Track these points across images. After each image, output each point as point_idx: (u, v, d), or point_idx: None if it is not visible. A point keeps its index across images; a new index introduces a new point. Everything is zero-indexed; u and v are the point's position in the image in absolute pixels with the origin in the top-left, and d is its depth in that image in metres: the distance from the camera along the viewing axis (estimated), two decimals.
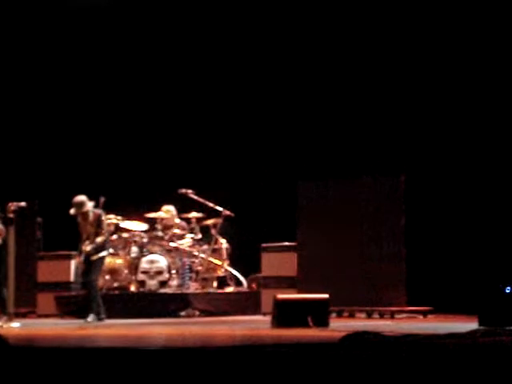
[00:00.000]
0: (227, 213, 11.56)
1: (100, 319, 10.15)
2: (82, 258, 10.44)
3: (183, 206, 11.71)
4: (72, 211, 10.33)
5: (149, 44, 12.58)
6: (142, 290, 11.34)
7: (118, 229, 11.66)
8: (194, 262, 11.61)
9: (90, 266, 10.34)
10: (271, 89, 12.14)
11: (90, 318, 10.10)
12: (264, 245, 11.34)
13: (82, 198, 10.35)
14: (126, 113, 12.79)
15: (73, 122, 12.82)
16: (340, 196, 11.06)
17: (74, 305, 11.11)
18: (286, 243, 11.32)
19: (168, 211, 11.67)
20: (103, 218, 10.45)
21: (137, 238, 11.68)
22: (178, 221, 11.74)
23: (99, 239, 10.33)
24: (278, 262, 11.33)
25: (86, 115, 12.81)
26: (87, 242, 10.28)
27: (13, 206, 10.11)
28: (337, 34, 11.75)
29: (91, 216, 10.33)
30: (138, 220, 11.81)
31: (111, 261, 11.25)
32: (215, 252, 11.70)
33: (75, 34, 12.50)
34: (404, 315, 10.41)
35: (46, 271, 11.71)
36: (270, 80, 12.15)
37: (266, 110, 12.22)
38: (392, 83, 11.43)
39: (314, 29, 11.89)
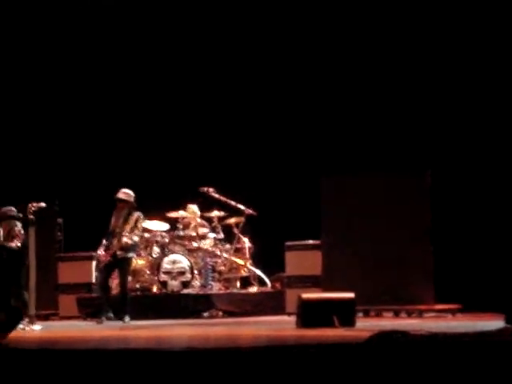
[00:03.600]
0: (250, 211, 11.39)
1: (109, 319, 10.07)
2: (110, 253, 10.24)
3: (205, 204, 11.57)
4: (118, 195, 10.23)
5: (164, 37, 12.44)
6: (164, 290, 11.20)
7: (143, 228, 11.53)
8: (216, 262, 11.45)
9: (116, 264, 10.22)
10: (292, 84, 11.97)
11: (127, 318, 10.01)
12: (288, 243, 11.15)
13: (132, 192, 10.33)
14: (147, 112, 12.69)
15: (94, 121, 12.73)
16: (365, 192, 10.84)
17: (96, 306, 11.00)
18: (311, 241, 11.11)
19: (190, 210, 11.53)
20: (141, 219, 10.38)
21: (158, 238, 11.55)
22: (199, 220, 11.60)
23: (136, 238, 10.24)
24: (302, 260, 11.13)
25: (107, 115, 12.71)
26: (124, 236, 10.11)
27: (33, 206, 10.03)
28: (353, 26, 11.57)
29: (129, 212, 10.20)
30: (160, 220, 11.68)
31: (133, 262, 11.12)
32: (238, 251, 11.55)
33: (90, 31, 12.41)
34: (432, 314, 10.19)
35: (66, 273, 11.62)
36: (290, 75, 11.98)
37: (287, 105, 12.06)
38: (420, 77, 11.23)
39: (325, 21, 11.73)
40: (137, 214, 10.36)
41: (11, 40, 12.40)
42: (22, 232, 10.21)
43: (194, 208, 11.54)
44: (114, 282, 10.86)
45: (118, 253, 10.19)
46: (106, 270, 10.40)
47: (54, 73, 12.61)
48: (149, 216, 11.47)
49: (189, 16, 12.36)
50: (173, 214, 11.53)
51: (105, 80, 12.63)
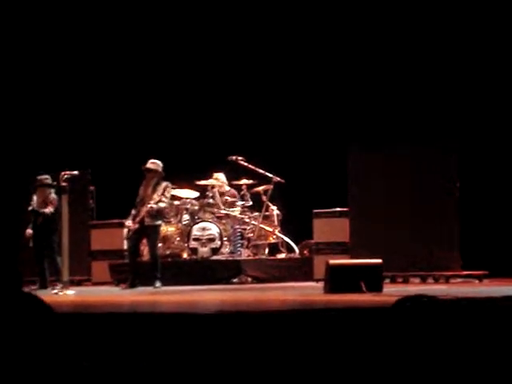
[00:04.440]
0: (278, 179, 11.50)
1: (134, 286, 10.25)
2: (137, 220, 10.42)
3: (234, 173, 11.70)
4: (147, 165, 10.39)
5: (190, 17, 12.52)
6: (194, 257, 11.39)
7: (172, 196, 11.69)
8: (245, 229, 11.61)
9: (144, 232, 10.41)
10: (323, 54, 11.98)
11: (158, 283, 10.19)
12: (315, 211, 11.26)
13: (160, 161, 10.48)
14: (178, 83, 12.79)
15: (123, 92, 12.88)
16: (392, 161, 10.90)
17: (128, 272, 11.21)
18: (338, 209, 11.22)
19: (218, 179, 11.68)
20: (170, 188, 10.53)
21: (188, 206, 11.72)
22: (228, 188, 11.75)
23: (162, 204, 10.38)
24: (330, 227, 11.24)
25: (138, 86, 12.86)
26: (150, 202, 10.28)
27: (66, 174, 10.23)
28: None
29: (158, 182, 10.37)
30: (189, 188, 11.84)
31: (163, 228, 11.30)
32: (266, 219, 11.69)
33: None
34: (459, 280, 10.27)
35: (99, 239, 11.86)
36: (319, 47, 12.01)
37: (317, 74, 12.09)
38: (447, 52, 11.21)
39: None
40: (165, 184, 10.50)
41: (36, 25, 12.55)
42: (56, 199, 10.43)
43: (221, 176, 11.68)
44: (146, 249, 11.05)
45: (146, 220, 10.35)
46: (134, 237, 10.58)
47: (89, 46, 12.78)
48: (178, 185, 11.65)
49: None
50: (202, 182, 11.68)
51: (135, 53, 12.76)
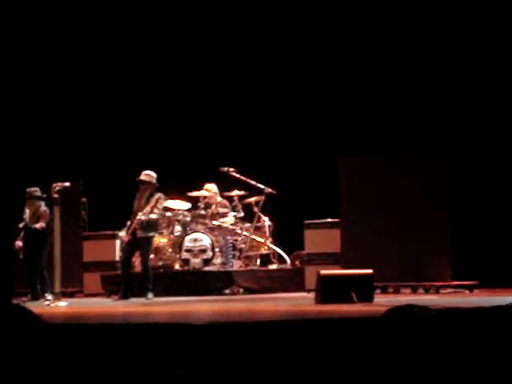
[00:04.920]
0: (269, 190, 11.56)
1: (126, 297, 10.28)
2: (129, 232, 10.43)
3: (225, 184, 11.75)
4: (140, 177, 10.44)
5: (183, 20, 12.57)
6: (186, 268, 11.42)
7: (164, 207, 11.72)
8: (237, 240, 11.65)
9: (136, 243, 10.43)
10: (313, 65, 12.07)
11: (150, 294, 10.22)
12: (306, 221, 11.33)
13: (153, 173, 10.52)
14: (167, 92, 12.85)
15: (115, 103, 12.92)
16: (382, 171, 10.97)
17: (120, 284, 11.23)
18: (329, 220, 11.28)
19: (210, 189, 11.72)
20: (162, 199, 10.56)
21: (180, 217, 11.75)
22: (220, 199, 11.79)
23: (153, 216, 10.40)
24: (322, 238, 11.30)
25: (131, 97, 12.90)
26: (140, 213, 10.32)
27: (57, 186, 10.24)
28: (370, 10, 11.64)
29: (151, 193, 10.41)
30: (181, 199, 11.88)
31: (156, 240, 11.32)
32: (258, 230, 11.73)
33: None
34: (449, 290, 10.33)
35: (91, 251, 11.87)
36: (309, 57, 12.09)
37: (306, 85, 12.16)
38: (437, 59, 11.30)
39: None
40: (158, 195, 10.53)
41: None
42: (48, 212, 10.44)
43: (213, 187, 11.73)
44: (138, 261, 11.07)
45: (138, 232, 10.37)
46: (127, 249, 10.61)
47: (81, 55, 12.81)
48: (170, 196, 11.69)
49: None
50: (194, 194, 11.72)
51: (127, 63, 12.81)
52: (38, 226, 10.49)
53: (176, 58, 12.78)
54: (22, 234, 10.73)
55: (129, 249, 10.55)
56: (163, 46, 12.79)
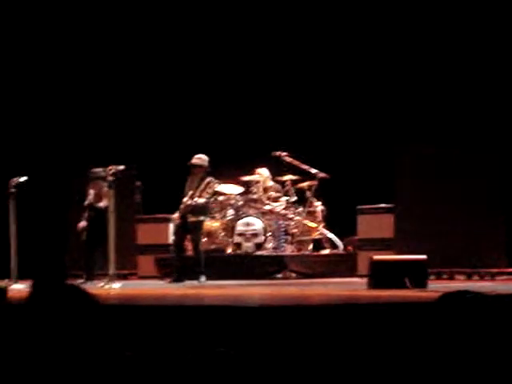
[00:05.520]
0: (323, 175, 11.51)
1: (179, 280, 10.28)
2: (179, 216, 10.50)
3: (278, 168, 11.73)
4: (192, 160, 10.49)
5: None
6: (238, 252, 11.45)
7: (216, 192, 11.76)
8: (289, 225, 11.63)
9: (187, 227, 10.48)
10: (374, 51, 11.90)
11: (202, 278, 10.26)
12: (359, 207, 11.25)
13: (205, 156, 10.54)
14: (221, 76, 12.84)
15: (169, 87, 12.98)
16: (439, 159, 10.86)
17: (173, 267, 11.31)
18: (383, 205, 11.19)
19: (262, 174, 11.72)
20: (213, 183, 10.60)
21: (232, 201, 11.77)
22: (272, 183, 11.79)
23: (201, 200, 10.44)
24: (375, 223, 11.22)
25: (184, 79, 12.93)
26: (187, 198, 10.38)
27: (112, 169, 10.34)
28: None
29: (202, 177, 10.45)
30: (234, 183, 11.90)
31: (208, 224, 11.38)
32: (310, 214, 11.70)
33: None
34: (505, 277, 10.18)
35: (145, 234, 11.99)
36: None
37: (365, 73, 12.02)
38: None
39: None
40: (208, 179, 10.56)
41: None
42: (111, 193, 10.54)
43: (265, 171, 11.72)
44: (191, 244, 11.13)
45: (188, 216, 10.42)
46: (178, 232, 10.67)
47: (125, 47, 12.89)
48: (223, 180, 11.71)
49: None
50: (246, 178, 11.73)
51: (171, 48, 12.83)
52: (101, 204, 10.59)
53: (225, 40, 12.75)
54: (86, 214, 10.81)
55: (180, 232, 10.61)
56: (199, 31, 12.76)
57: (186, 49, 12.85)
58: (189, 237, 10.77)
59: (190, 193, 10.44)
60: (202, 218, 10.59)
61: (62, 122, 12.61)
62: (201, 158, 10.57)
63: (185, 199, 10.39)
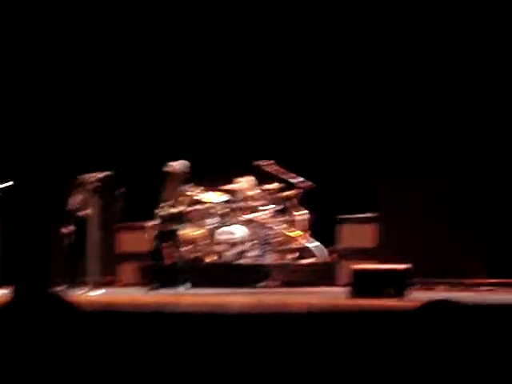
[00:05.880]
0: (307, 183, 11.51)
1: (157, 288, 10.29)
2: (156, 223, 10.48)
3: (262, 176, 11.71)
4: (169, 167, 10.46)
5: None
6: (220, 260, 11.42)
7: (196, 200, 11.74)
8: (272, 233, 11.60)
9: (166, 235, 10.45)
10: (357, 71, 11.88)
11: (182, 286, 10.23)
12: (341, 216, 11.29)
13: (181, 161, 10.48)
14: (203, 83, 12.81)
15: (151, 94, 12.95)
16: (421, 172, 10.94)
17: (153, 274, 11.25)
18: (365, 214, 11.24)
19: (247, 182, 11.70)
20: (190, 190, 10.56)
21: (215, 209, 11.74)
22: (256, 191, 11.76)
23: (175, 210, 10.41)
24: (357, 233, 11.27)
25: (165, 88, 12.91)
26: (162, 207, 10.36)
27: (97, 175, 10.30)
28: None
29: (179, 184, 10.42)
30: (217, 191, 11.87)
31: (189, 231, 11.34)
32: (294, 223, 11.68)
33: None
34: (486, 288, 10.20)
35: (126, 241, 11.94)
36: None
37: (348, 78, 11.99)
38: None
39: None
40: (183, 187, 10.54)
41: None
42: (94, 200, 10.48)
43: (251, 179, 11.69)
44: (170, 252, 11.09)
45: (166, 224, 10.39)
46: (156, 240, 10.61)
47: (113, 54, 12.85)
48: (206, 187, 11.69)
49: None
50: (230, 186, 11.71)
51: (160, 55, 12.80)
52: (85, 211, 10.53)
53: (207, 48, 12.71)
54: (69, 220, 10.73)
55: (157, 240, 10.58)
56: (191, 36, 12.74)
57: (168, 54, 12.81)
58: (167, 244, 10.74)
59: (168, 201, 10.41)
60: (176, 226, 10.51)
61: (48, 128, 12.52)
62: (172, 166, 10.48)
63: (158, 209, 10.38)
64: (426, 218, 10.80)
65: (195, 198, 11.53)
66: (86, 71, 12.72)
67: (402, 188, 11.05)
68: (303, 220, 11.63)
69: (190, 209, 11.42)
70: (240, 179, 11.72)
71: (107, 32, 12.64)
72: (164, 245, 10.65)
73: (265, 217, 11.59)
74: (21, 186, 10.77)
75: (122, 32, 12.71)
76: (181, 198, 10.53)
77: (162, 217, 10.41)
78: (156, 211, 10.56)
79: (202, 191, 11.70)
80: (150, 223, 10.86)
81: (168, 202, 10.40)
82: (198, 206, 11.62)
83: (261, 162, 11.49)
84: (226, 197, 11.79)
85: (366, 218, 11.29)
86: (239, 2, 12.33)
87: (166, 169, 10.51)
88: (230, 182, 11.77)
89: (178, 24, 12.65)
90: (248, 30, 12.40)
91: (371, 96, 11.80)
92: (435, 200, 10.79)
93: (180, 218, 10.61)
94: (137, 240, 11.82)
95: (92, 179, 10.59)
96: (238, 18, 12.37)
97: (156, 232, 10.54)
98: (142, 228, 11.73)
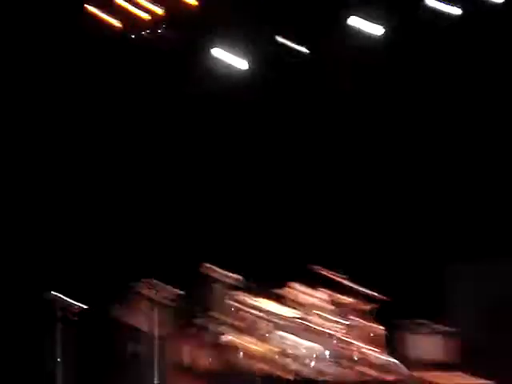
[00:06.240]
0: (381, 296, 11.25)
1: None
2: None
3: (335, 289, 11.40)
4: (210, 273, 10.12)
5: None
6: (297, 378, 10.93)
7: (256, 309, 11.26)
8: (347, 349, 11.23)
9: None
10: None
11: None
12: (411, 327, 11.08)
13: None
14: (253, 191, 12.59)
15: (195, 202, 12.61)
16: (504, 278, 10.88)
17: None
18: (435, 326, 11.07)
19: (319, 294, 11.35)
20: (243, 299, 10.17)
21: (281, 321, 11.28)
22: (329, 305, 11.41)
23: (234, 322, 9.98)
24: (428, 345, 11.07)
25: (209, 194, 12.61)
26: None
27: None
28: None
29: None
30: (278, 301, 11.46)
31: (258, 345, 10.83)
32: (369, 338, 11.35)
33: None
34: None
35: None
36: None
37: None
38: None
39: None
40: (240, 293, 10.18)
41: None
42: None
43: (322, 292, 11.35)
44: None
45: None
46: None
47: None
48: (266, 296, 11.26)
49: None
50: (301, 299, 11.31)
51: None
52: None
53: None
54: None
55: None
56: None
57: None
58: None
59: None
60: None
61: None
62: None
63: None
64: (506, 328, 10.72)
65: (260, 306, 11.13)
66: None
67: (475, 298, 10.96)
68: (379, 335, 11.34)
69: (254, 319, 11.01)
70: (312, 292, 11.35)
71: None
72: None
73: (338, 330, 11.23)
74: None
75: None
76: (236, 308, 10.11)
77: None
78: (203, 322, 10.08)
79: (261, 298, 11.27)
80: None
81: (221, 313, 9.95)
82: (263, 317, 11.16)
83: (336, 274, 11.19)
84: (296, 312, 11.36)
85: (436, 329, 11.11)
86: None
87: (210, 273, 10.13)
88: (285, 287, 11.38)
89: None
90: None
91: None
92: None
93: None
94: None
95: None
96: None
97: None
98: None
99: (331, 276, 11.23)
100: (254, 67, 11.97)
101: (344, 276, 11.31)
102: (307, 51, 11.91)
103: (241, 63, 12.08)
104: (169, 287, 10.29)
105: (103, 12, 11.26)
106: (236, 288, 10.22)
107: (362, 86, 11.84)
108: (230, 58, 11.99)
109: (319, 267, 11.24)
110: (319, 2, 11.37)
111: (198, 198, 12.57)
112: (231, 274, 10.40)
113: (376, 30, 11.59)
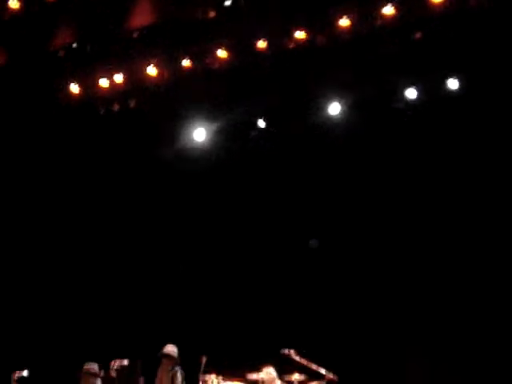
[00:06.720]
0: (330, 376, 11.17)
1: None
2: None
3: (286, 367, 11.40)
4: (163, 351, 10.26)
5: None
6: None
7: None
8: None
9: None
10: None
11: None
12: None
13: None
14: (226, 276, 12.85)
15: (173, 283, 12.94)
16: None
17: None
18: None
19: (269, 373, 11.34)
20: (179, 375, 10.31)
21: None
22: (279, 383, 11.38)
23: None
24: None
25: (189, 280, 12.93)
26: None
27: (116, 364, 10.00)
28: None
29: (172, 368, 10.21)
30: (239, 381, 11.51)
31: None
32: None
33: None
34: None
35: None
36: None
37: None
38: None
39: None
40: (176, 370, 10.31)
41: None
42: None
43: (271, 370, 11.35)
44: None
45: None
46: None
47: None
48: (227, 377, 11.35)
49: None
50: (252, 376, 11.33)
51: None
52: None
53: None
54: None
55: None
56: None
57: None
58: None
59: None
60: None
61: (62, 315, 12.38)
62: (172, 349, 10.35)
63: None
64: None
65: None
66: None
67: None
68: None
69: None
70: (264, 369, 11.37)
71: None
72: None
73: None
74: (37, 374, 10.50)
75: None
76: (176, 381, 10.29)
77: None
78: None
79: (223, 380, 11.33)
80: None
81: None
82: None
83: (287, 351, 11.20)
84: None
85: None
86: None
87: (163, 351, 10.30)
88: (252, 371, 11.41)
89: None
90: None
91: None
92: None
93: None
94: None
95: (111, 367, 10.29)
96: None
97: None
98: None
99: (301, 360, 11.26)
100: (216, 139, 12.41)
101: (301, 355, 11.31)
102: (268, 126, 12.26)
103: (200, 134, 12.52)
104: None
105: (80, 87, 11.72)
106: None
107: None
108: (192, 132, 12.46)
109: (290, 351, 11.29)
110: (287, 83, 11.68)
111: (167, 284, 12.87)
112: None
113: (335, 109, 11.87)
